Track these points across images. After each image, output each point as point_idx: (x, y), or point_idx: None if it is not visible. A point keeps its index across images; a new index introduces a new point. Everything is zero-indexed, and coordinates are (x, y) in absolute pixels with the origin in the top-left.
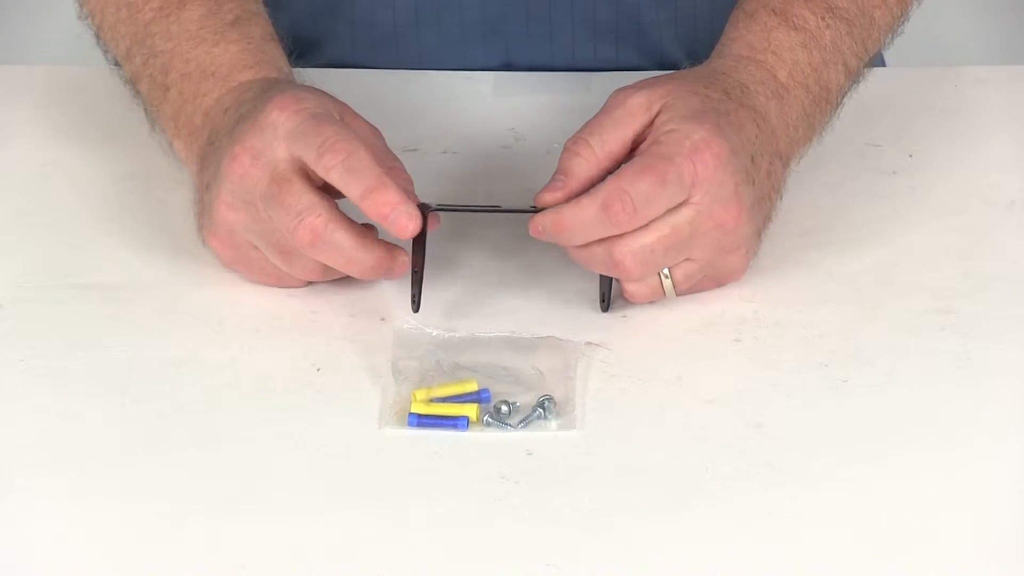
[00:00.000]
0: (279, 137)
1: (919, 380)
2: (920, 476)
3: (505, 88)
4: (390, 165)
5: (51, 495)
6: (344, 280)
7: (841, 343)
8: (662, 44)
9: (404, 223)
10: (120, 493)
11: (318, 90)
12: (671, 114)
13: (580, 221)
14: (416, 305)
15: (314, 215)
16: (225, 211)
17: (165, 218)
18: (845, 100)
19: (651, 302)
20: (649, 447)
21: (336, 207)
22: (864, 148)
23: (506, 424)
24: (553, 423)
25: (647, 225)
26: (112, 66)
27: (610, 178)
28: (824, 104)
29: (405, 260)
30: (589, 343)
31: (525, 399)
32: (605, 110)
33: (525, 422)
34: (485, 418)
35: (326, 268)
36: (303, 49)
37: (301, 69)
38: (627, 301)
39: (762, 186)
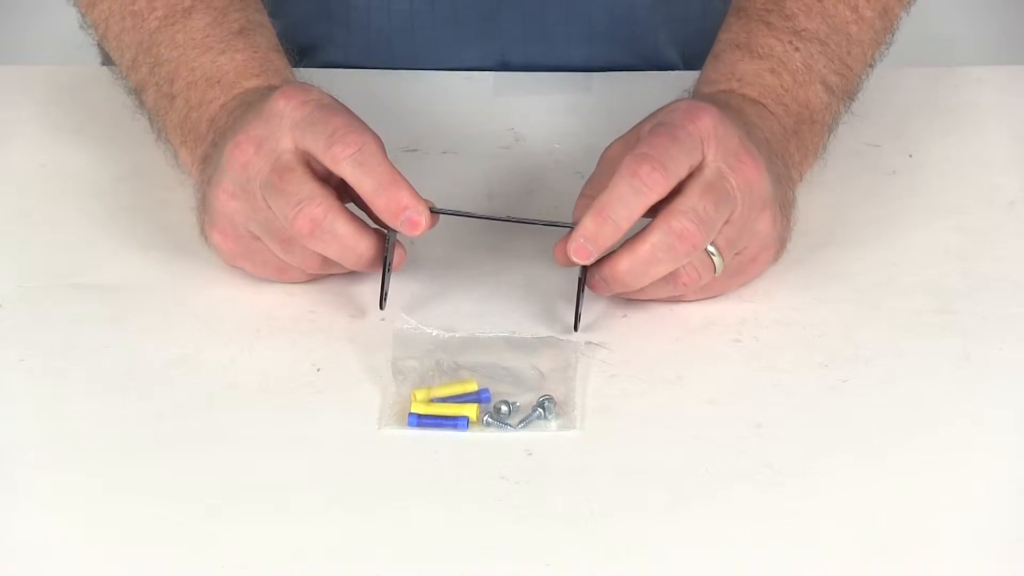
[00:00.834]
0: (285, 127)
1: (919, 380)
2: (920, 476)
3: (505, 88)
4: None
5: (51, 495)
6: (344, 280)
7: (841, 343)
8: (656, 45)
9: (416, 221)
10: (120, 493)
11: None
12: (654, 116)
13: (617, 196)
14: (383, 302)
15: (314, 204)
16: (226, 199)
17: (165, 218)
18: (839, 119)
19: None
20: (649, 447)
21: (336, 197)
22: (864, 148)
23: (506, 424)
24: (553, 423)
25: (685, 189)
26: (116, 77)
27: (627, 150)
28: (810, 123)
29: (402, 253)
30: (589, 343)
31: (525, 399)
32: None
33: (525, 422)
34: (485, 418)
35: (325, 259)
36: (300, 54)
37: (301, 69)
38: (627, 301)
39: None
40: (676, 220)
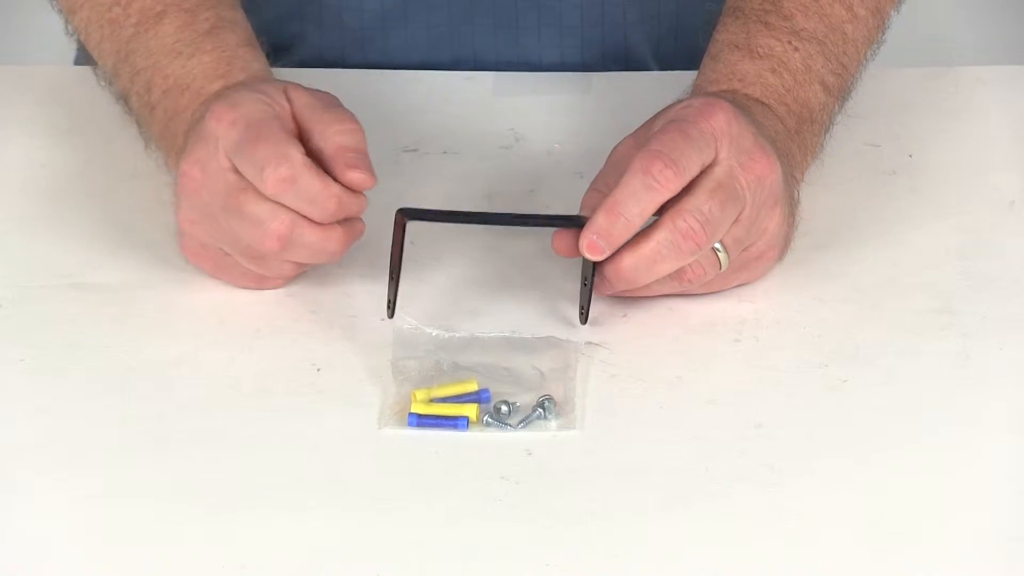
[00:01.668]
0: (220, 148)
1: (919, 380)
2: (920, 476)
3: (505, 88)
4: (332, 119)
5: (51, 495)
6: (344, 280)
7: (841, 343)
8: (627, 44)
9: (356, 200)
10: (120, 493)
11: (261, 83)
12: (665, 113)
13: (630, 193)
14: (391, 310)
15: (276, 221)
16: (189, 226)
17: (165, 218)
18: (835, 119)
19: (703, 285)
20: (649, 447)
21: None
22: (864, 148)
23: (506, 424)
24: (553, 423)
25: (694, 188)
26: (101, 84)
27: (639, 151)
28: (809, 123)
29: (362, 225)
30: (589, 343)
31: (525, 399)
32: (606, 164)
33: (525, 422)
34: (485, 418)
35: (299, 264)
36: (273, 52)
37: (300, 70)
38: (627, 301)
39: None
40: (682, 219)
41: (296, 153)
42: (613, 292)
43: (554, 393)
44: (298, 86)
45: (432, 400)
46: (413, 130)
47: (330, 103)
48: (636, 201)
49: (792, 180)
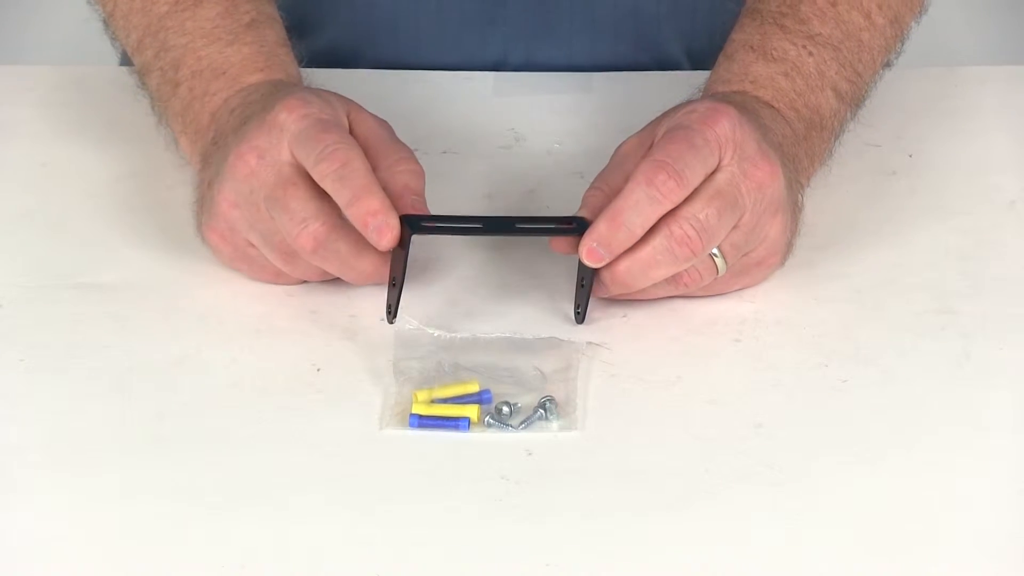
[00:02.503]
0: (284, 139)
1: (919, 380)
2: (920, 476)
3: (505, 88)
4: (399, 157)
5: (51, 495)
6: (343, 280)
7: (841, 343)
8: (660, 40)
9: (382, 229)
10: (120, 493)
11: (326, 92)
12: (670, 115)
13: (633, 203)
14: (392, 315)
15: (318, 222)
16: (228, 208)
17: (165, 218)
18: (846, 126)
19: (702, 289)
20: (649, 447)
21: (338, 214)
22: (864, 148)
23: (507, 425)
24: (554, 424)
25: (694, 196)
26: (119, 55)
27: (642, 158)
28: (819, 129)
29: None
30: (590, 343)
31: (526, 400)
32: (610, 162)
33: (526, 423)
34: (486, 419)
35: (324, 271)
36: (303, 31)
37: (305, 69)
38: (627, 301)
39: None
40: (677, 226)
41: (357, 154)
42: (610, 295)
43: (556, 394)
44: (360, 107)
45: (433, 401)
46: (413, 130)
47: (393, 134)
48: (639, 212)
49: (797, 185)
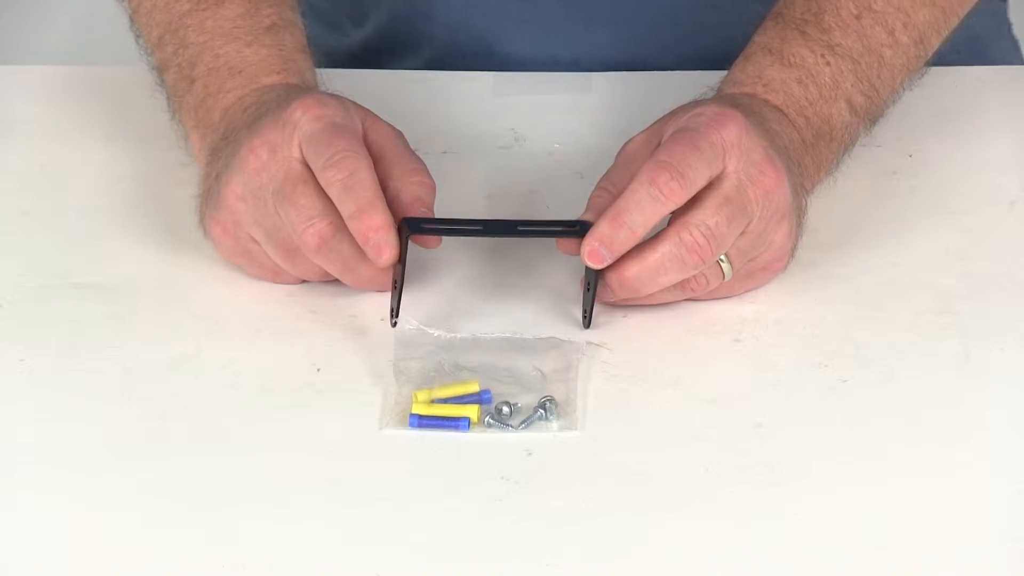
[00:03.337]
0: (296, 136)
1: (919, 380)
2: (920, 476)
3: (505, 88)
4: (411, 168)
5: (51, 495)
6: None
7: (841, 343)
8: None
9: (379, 248)
10: (120, 493)
11: (342, 97)
12: (678, 116)
13: (635, 202)
14: (394, 318)
15: (325, 221)
16: (234, 201)
17: (166, 218)
18: (858, 140)
19: (706, 293)
20: (649, 447)
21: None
22: (864, 148)
23: (507, 425)
24: (555, 424)
25: (702, 201)
26: (142, 54)
27: (648, 158)
28: (828, 139)
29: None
30: (590, 343)
31: (526, 400)
32: (615, 161)
33: (526, 423)
34: (486, 419)
35: (322, 271)
36: (399, 50)
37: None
38: (630, 304)
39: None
40: (688, 233)
41: (365, 164)
42: (616, 300)
43: (556, 394)
44: (376, 116)
45: (433, 401)
46: (413, 130)
47: (406, 144)
48: (641, 211)
49: (802, 191)
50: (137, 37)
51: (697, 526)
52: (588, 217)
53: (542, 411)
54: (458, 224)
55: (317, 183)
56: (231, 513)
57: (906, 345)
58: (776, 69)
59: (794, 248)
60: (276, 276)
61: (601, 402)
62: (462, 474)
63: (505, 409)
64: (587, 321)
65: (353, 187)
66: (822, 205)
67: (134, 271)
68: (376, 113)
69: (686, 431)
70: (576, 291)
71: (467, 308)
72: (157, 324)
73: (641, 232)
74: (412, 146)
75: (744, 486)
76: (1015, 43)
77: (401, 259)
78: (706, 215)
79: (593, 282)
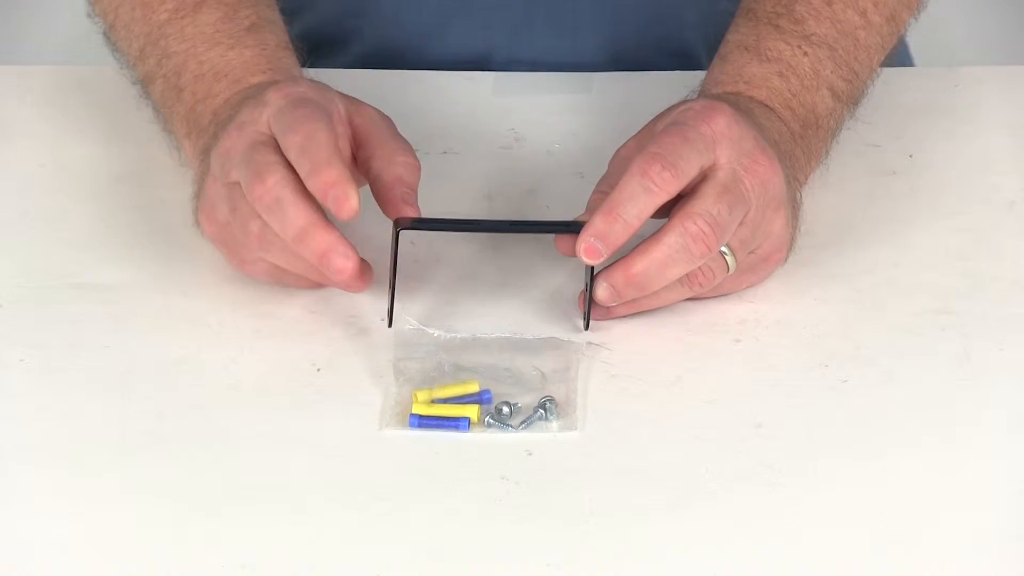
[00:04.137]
0: (265, 113)
1: (919, 380)
2: (920, 476)
3: (505, 88)
4: (396, 148)
5: (51, 495)
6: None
7: (841, 343)
8: (683, 42)
9: (340, 200)
10: (120, 493)
11: (324, 84)
12: (666, 115)
13: (628, 195)
14: (389, 320)
15: (277, 176)
16: (211, 182)
17: (165, 218)
18: (844, 124)
19: (711, 289)
20: (649, 447)
21: (298, 179)
22: (864, 148)
23: (507, 425)
24: (554, 424)
25: (700, 191)
26: (122, 67)
27: (640, 149)
28: (815, 128)
29: (369, 273)
30: (590, 343)
31: (526, 400)
32: (609, 166)
33: (526, 423)
34: (486, 419)
35: (293, 262)
36: (324, 47)
37: (307, 70)
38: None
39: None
40: (691, 223)
41: (325, 127)
42: (623, 312)
43: (556, 394)
44: (361, 102)
45: (433, 401)
46: (413, 130)
47: (393, 128)
48: (634, 203)
49: (795, 182)
50: (114, 51)
51: (697, 526)
52: (585, 218)
53: (542, 411)
54: (451, 222)
55: (279, 148)
56: (230, 513)
57: (906, 345)
58: (755, 65)
59: (793, 239)
60: (243, 264)
61: (601, 402)
62: (462, 474)
63: (505, 409)
64: (586, 323)
65: (309, 147)
66: (822, 205)
67: (134, 271)
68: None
69: (686, 431)
70: (575, 291)
71: (467, 308)
72: (157, 324)
73: (636, 224)
74: (412, 146)
75: (744, 486)
76: (904, 44)
77: (393, 261)
78: (708, 204)
79: (589, 282)
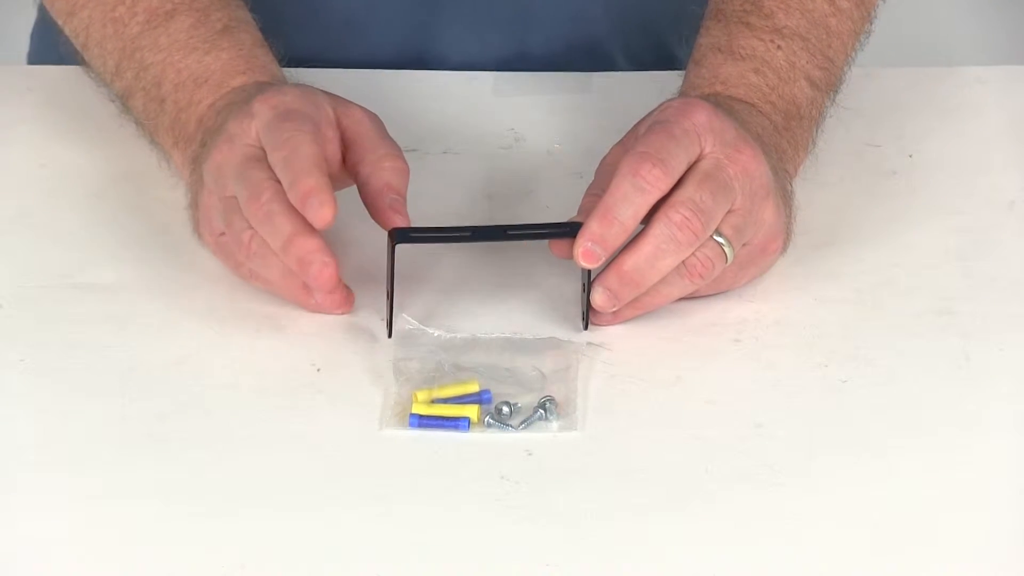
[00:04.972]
0: (253, 125)
1: (919, 380)
2: (920, 476)
3: (505, 88)
4: (384, 153)
5: (51, 495)
6: (345, 279)
7: (841, 343)
8: (596, 39)
9: (316, 210)
10: (120, 493)
11: (308, 87)
12: (647, 118)
13: (621, 196)
14: (388, 330)
15: (270, 194)
16: (206, 196)
17: (165, 218)
18: (826, 113)
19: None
20: (649, 447)
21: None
22: (864, 148)
23: (507, 425)
24: (554, 424)
25: (682, 181)
26: (99, 85)
27: (626, 153)
28: (798, 119)
29: (320, 272)
30: (590, 343)
31: (526, 400)
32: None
33: (526, 423)
34: (486, 419)
35: (284, 269)
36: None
37: (294, 70)
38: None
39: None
40: (674, 211)
41: (309, 139)
42: (626, 316)
43: (555, 394)
44: (348, 101)
45: (433, 401)
46: (413, 130)
47: (382, 128)
48: (628, 204)
49: (784, 174)
50: (88, 70)
51: (697, 526)
52: (579, 218)
53: (542, 411)
54: (447, 232)
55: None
56: (230, 513)
57: (906, 345)
58: (730, 65)
59: (788, 230)
60: (238, 267)
61: (601, 402)
62: (462, 474)
63: (505, 409)
64: (585, 323)
65: (291, 159)
66: (822, 204)
67: (134, 271)
68: (376, 113)
69: (686, 431)
70: (574, 291)
71: (467, 308)
72: (157, 324)
73: (631, 224)
74: (412, 146)
75: (744, 486)
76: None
77: (390, 272)
78: (689, 192)
79: (587, 283)
